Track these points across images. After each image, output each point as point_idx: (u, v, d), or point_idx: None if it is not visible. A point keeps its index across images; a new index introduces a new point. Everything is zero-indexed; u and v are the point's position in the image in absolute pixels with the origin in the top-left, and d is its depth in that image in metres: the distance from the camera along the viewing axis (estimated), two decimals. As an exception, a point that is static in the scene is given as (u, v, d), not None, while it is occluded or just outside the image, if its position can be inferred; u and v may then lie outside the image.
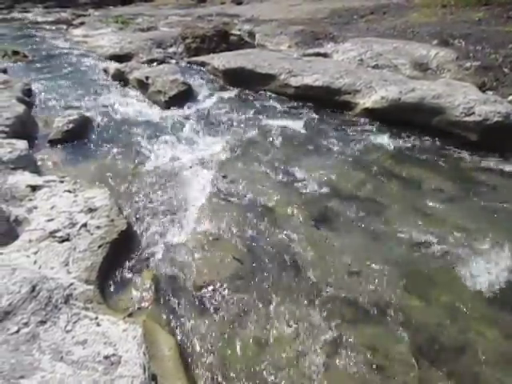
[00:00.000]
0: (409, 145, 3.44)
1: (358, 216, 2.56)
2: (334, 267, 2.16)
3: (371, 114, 3.96)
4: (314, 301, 1.96)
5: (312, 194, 2.81)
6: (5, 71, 6.30)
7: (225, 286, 2.05)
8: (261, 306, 1.94)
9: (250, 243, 2.35)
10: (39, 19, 15.10)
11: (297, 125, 3.93)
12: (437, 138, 3.49)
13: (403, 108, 3.75)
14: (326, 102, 4.32)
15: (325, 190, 2.85)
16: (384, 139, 3.55)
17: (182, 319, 1.88)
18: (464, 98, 3.55)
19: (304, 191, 2.84)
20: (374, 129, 3.76)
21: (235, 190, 2.89)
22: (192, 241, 2.38)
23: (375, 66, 5.02)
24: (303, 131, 3.80)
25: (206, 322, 1.86)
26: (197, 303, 1.96)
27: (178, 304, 1.97)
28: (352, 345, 1.74)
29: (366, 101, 4.03)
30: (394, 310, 1.91)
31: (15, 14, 17.55)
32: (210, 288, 2.04)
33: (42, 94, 5.32)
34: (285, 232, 2.43)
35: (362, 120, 3.95)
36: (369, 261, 2.19)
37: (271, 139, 3.65)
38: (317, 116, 4.14)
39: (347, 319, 1.86)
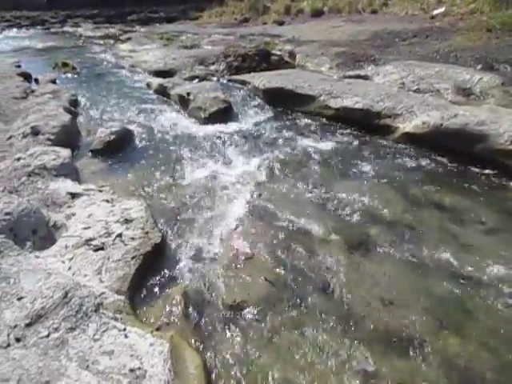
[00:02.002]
0: (450, 172, 3.33)
1: (394, 243, 2.48)
2: (368, 296, 2.08)
3: (412, 138, 3.87)
4: (345, 329, 1.89)
5: (348, 218, 2.75)
6: (54, 81, 6.61)
7: (255, 307, 2.01)
8: (290, 330, 1.89)
9: (283, 265, 2.31)
10: (89, 33, 15.82)
11: (335, 147, 3.89)
12: (479, 166, 3.36)
13: (445, 134, 3.64)
14: (366, 124, 4.27)
15: (361, 214, 2.78)
16: (424, 165, 3.46)
17: (209, 337, 1.85)
18: (509, 126, 3.41)
19: (340, 215, 2.79)
20: (414, 154, 3.66)
21: (270, 209, 2.87)
22: (224, 258, 2.37)
23: (417, 90, 4.93)
24: (341, 153, 3.76)
25: (234, 342, 1.83)
26: (225, 322, 1.93)
27: (207, 322, 1.94)
28: (383, 378, 1.66)
29: (407, 125, 3.95)
30: (428, 343, 1.82)
31: (67, 28, 18.52)
32: (240, 308, 2.01)
33: (87, 104, 5.52)
34: (319, 256, 2.38)
35: (402, 145, 3.87)
36: (404, 291, 2.11)
37: (309, 160, 3.62)
38: (356, 139, 4.09)
39: (379, 350, 1.79)
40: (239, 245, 2.47)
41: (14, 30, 18.69)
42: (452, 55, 6.11)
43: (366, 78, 5.69)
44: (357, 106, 4.40)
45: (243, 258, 2.36)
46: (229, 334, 1.87)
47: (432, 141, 3.71)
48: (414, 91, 4.88)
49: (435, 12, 9.05)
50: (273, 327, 1.91)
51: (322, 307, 2.03)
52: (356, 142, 4.00)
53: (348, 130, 4.29)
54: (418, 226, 2.64)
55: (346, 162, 3.57)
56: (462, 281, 2.18)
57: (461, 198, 2.97)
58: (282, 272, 2.26)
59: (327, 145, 3.94)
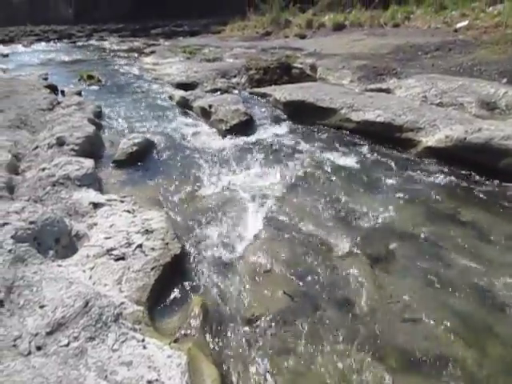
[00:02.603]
0: (474, 187, 3.26)
1: (416, 259, 2.43)
2: (389, 312, 2.04)
3: (434, 153, 3.81)
4: (365, 346, 1.85)
5: (368, 233, 2.71)
6: (80, 94, 6.79)
7: (274, 321, 1.99)
8: (309, 346, 1.86)
9: (302, 279, 2.29)
10: (114, 47, 16.26)
11: (356, 160, 3.86)
12: (505, 182, 3.28)
13: (469, 148, 3.57)
14: (387, 138, 4.23)
15: (382, 229, 2.75)
16: (447, 180, 3.39)
17: (227, 351, 1.84)
18: (537, 141, 3.34)
19: (360, 229, 2.76)
20: (437, 168, 3.60)
21: (290, 222, 2.85)
22: (243, 271, 2.36)
23: (439, 104, 4.86)
24: (362, 167, 3.73)
25: (252, 356, 1.81)
26: (244, 336, 1.92)
27: (225, 335, 1.93)
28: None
29: (429, 139, 3.90)
30: (451, 362, 1.76)
31: (93, 42, 19.13)
32: (259, 322, 1.99)
33: (111, 116, 5.64)
34: (338, 270, 2.35)
35: (425, 159, 3.81)
36: (426, 308, 2.06)
37: (329, 173, 3.60)
38: (377, 152, 4.05)
39: (399, 368, 1.74)
40: (258, 257, 2.45)
41: (43, 43, 19.36)
42: (476, 69, 6.02)
43: (387, 91, 5.65)
44: (378, 119, 4.37)
45: (262, 271, 2.34)
46: (246, 348, 1.86)
47: (455, 155, 3.65)
48: (437, 105, 4.82)
49: (458, 25, 8.97)
50: (291, 342, 1.88)
51: (341, 322, 1.99)
52: (377, 156, 3.97)
53: (369, 144, 4.26)
54: (441, 242, 2.59)
55: (367, 176, 3.54)
56: (485, 299, 2.12)
57: (485, 214, 2.90)
58: (301, 286, 2.24)
59: (348, 158, 3.92)
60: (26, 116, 4.98)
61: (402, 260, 2.43)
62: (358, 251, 2.51)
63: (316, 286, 2.24)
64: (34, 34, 23.22)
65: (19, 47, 17.79)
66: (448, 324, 1.96)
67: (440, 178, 3.43)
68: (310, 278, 2.30)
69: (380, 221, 2.84)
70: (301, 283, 2.26)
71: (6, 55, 14.55)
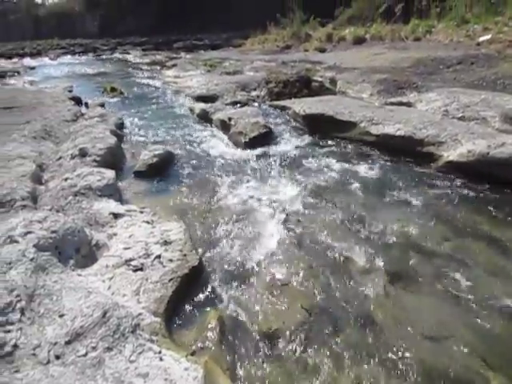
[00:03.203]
0: (497, 203, 3.18)
1: (437, 275, 2.37)
2: (409, 330, 2.00)
3: (456, 167, 3.74)
4: (383, 364, 1.81)
5: (388, 247, 2.67)
6: (102, 105, 6.96)
7: (290, 335, 1.97)
8: (326, 362, 1.83)
9: (319, 293, 2.26)
10: (137, 60, 16.67)
11: (375, 174, 3.83)
12: (530, 198, 3.21)
13: (492, 163, 3.50)
14: (407, 152, 4.18)
15: (402, 244, 2.70)
16: (469, 195, 3.33)
17: (243, 365, 1.82)
18: (563, 157, 3.26)
19: (380, 243, 2.71)
20: (459, 183, 3.54)
21: (308, 235, 2.83)
22: (260, 284, 2.35)
23: (461, 118, 4.79)
24: (382, 181, 3.69)
25: (268, 371, 1.79)
26: (260, 350, 1.90)
27: (242, 348, 1.92)
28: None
29: (451, 153, 3.84)
30: (471, 383, 1.71)
31: (117, 55, 19.68)
32: (275, 336, 1.97)
33: (133, 127, 5.74)
34: (357, 286, 2.31)
35: (446, 173, 3.75)
36: (448, 326, 2.01)
37: (348, 187, 3.58)
38: (397, 166, 4.01)
39: (420, 388, 1.70)
40: (276, 270, 2.44)
41: (68, 56, 19.98)
42: (499, 82, 5.94)
43: (408, 105, 5.61)
44: (398, 133, 4.33)
45: (279, 284, 2.33)
46: (263, 363, 1.83)
47: (478, 170, 3.58)
48: (459, 119, 4.75)
49: (481, 39, 8.88)
50: (308, 358, 1.86)
51: (359, 339, 1.96)
52: (397, 170, 3.92)
53: (389, 157, 4.21)
54: (463, 258, 2.53)
55: (387, 190, 3.50)
56: (509, 318, 2.06)
57: (509, 230, 2.83)
58: (319, 300, 2.21)
59: (367, 171, 3.89)
60: (50, 127, 5.11)
61: (422, 276, 2.38)
62: (378, 266, 2.47)
63: (334, 301, 2.21)
64: (60, 47, 23.99)
65: (46, 60, 18.41)
66: (470, 343, 1.91)
67: (462, 193, 3.36)
68: (328, 292, 2.27)
69: (400, 236, 2.79)
70: (319, 297, 2.23)
71: (33, 68, 15.06)
